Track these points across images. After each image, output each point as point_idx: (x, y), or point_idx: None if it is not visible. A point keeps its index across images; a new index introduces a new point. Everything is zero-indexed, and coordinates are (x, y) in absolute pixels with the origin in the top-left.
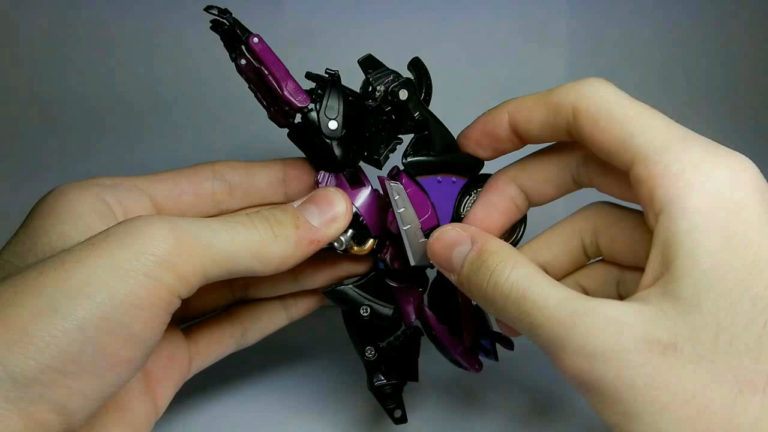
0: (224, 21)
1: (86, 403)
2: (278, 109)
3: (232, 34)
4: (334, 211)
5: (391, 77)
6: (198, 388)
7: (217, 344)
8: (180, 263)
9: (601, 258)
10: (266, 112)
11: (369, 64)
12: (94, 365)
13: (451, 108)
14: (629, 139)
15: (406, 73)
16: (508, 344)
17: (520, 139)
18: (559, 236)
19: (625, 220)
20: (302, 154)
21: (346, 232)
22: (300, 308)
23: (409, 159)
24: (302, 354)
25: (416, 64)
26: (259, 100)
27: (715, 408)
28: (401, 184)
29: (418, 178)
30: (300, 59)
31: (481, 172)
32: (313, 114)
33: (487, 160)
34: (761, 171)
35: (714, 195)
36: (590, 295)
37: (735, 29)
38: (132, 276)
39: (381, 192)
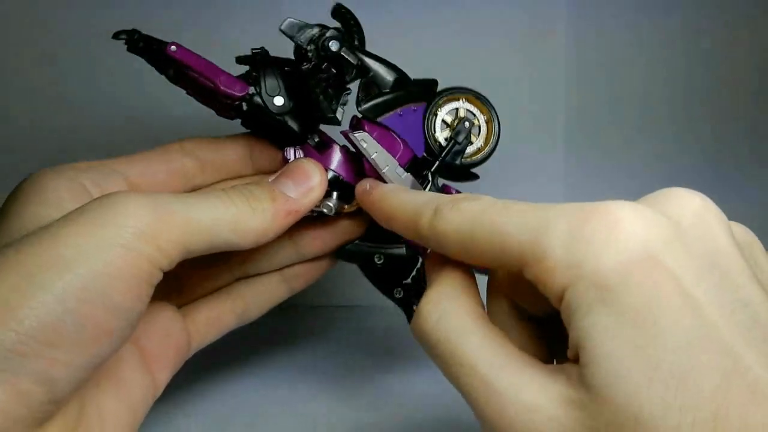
0: (136, 41)
1: (70, 374)
2: (222, 105)
3: (150, 50)
4: (309, 182)
5: (316, 30)
6: (197, 375)
7: (218, 321)
8: (159, 235)
9: None
10: (214, 112)
11: (292, 29)
12: (76, 335)
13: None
14: (502, 242)
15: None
16: None
17: None
18: None
19: None
20: None
21: (331, 196)
22: (300, 279)
23: (363, 105)
24: (301, 346)
25: (337, 12)
26: (202, 103)
27: None
28: (365, 131)
29: (379, 119)
30: None
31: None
32: (257, 98)
33: None
34: (760, 166)
35: (594, 272)
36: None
37: (735, 28)
38: (110, 248)
39: (350, 147)
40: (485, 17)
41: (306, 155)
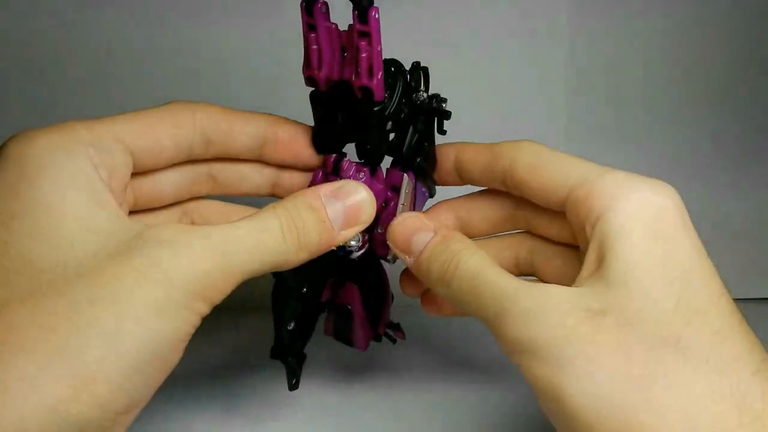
0: None
1: (122, 429)
2: (330, 76)
3: None
4: (357, 218)
5: (423, 89)
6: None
7: None
8: (214, 293)
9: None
10: (305, 64)
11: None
12: (142, 399)
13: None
14: (564, 176)
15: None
16: (401, 334)
17: (460, 177)
18: (494, 246)
19: (558, 246)
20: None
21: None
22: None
23: (420, 162)
24: None
25: (419, 68)
26: (311, 53)
27: (636, 356)
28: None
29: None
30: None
31: None
32: (381, 110)
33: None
34: (758, 161)
35: (640, 204)
36: None
37: (736, 27)
38: (177, 311)
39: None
40: (485, 16)
41: (364, 179)
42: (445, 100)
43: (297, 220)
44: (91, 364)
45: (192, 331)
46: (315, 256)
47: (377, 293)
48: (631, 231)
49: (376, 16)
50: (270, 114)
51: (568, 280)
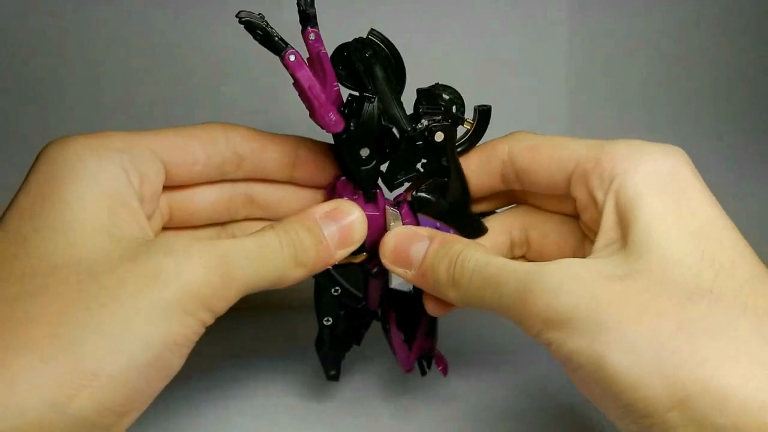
0: (256, 33)
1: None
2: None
3: (265, 42)
4: (351, 238)
5: (439, 117)
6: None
7: None
8: (216, 301)
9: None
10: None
11: (426, 95)
12: (142, 401)
13: None
14: (569, 152)
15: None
16: (444, 368)
17: None
18: (490, 233)
19: (553, 219)
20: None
21: None
22: None
23: (417, 194)
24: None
25: (483, 112)
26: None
27: (670, 313)
28: (400, 212)
29: (420, 216)
30: None
31: None
32: (345, 137)
33: None
34: (758, 161)
35: (652, 167)
36: None
37: (736, 27)
38: (179, 316)
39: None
40: (486, 15)
41: (356, 199)
42: (444, 128)
43: (295, 239)
44: (93, 363)
45: (194, 338)
46: (314, 272)
47: (412, 317)
48: (645, 193)
49: (291, 58)
50: (300, 136)
51: (567, 254)
